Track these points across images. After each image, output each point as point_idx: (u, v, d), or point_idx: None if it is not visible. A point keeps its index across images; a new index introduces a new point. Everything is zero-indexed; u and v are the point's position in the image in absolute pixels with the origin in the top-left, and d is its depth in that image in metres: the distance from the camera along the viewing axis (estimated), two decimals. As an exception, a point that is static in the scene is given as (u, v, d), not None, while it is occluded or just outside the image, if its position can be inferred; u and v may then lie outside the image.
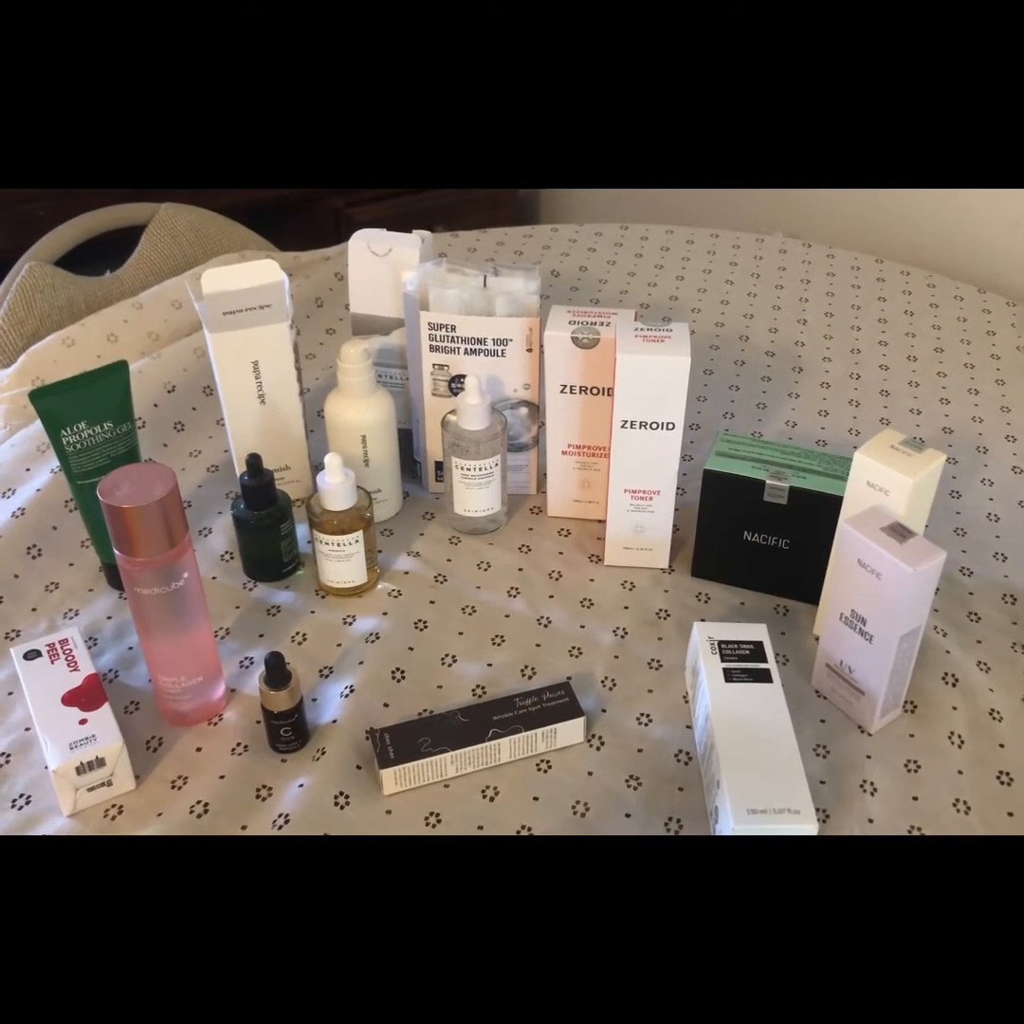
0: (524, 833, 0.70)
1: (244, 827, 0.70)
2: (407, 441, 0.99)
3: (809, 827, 0.65)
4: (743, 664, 0.75)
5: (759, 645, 0.77)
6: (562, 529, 0.96)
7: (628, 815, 0.71)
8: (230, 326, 0.86)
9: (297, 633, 0.84)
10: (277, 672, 0.71)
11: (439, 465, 0.97)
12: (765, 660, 0.76)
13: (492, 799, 0.72)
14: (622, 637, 0.85)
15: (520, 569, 0.91)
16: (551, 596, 0.88)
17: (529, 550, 0.93)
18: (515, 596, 0.88)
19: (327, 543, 0.84)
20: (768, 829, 0.65)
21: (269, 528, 0.86)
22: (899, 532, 0.71)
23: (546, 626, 0.86)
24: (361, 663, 0.81)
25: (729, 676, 0.74)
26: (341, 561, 0.85)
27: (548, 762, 0.75)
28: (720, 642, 0.77)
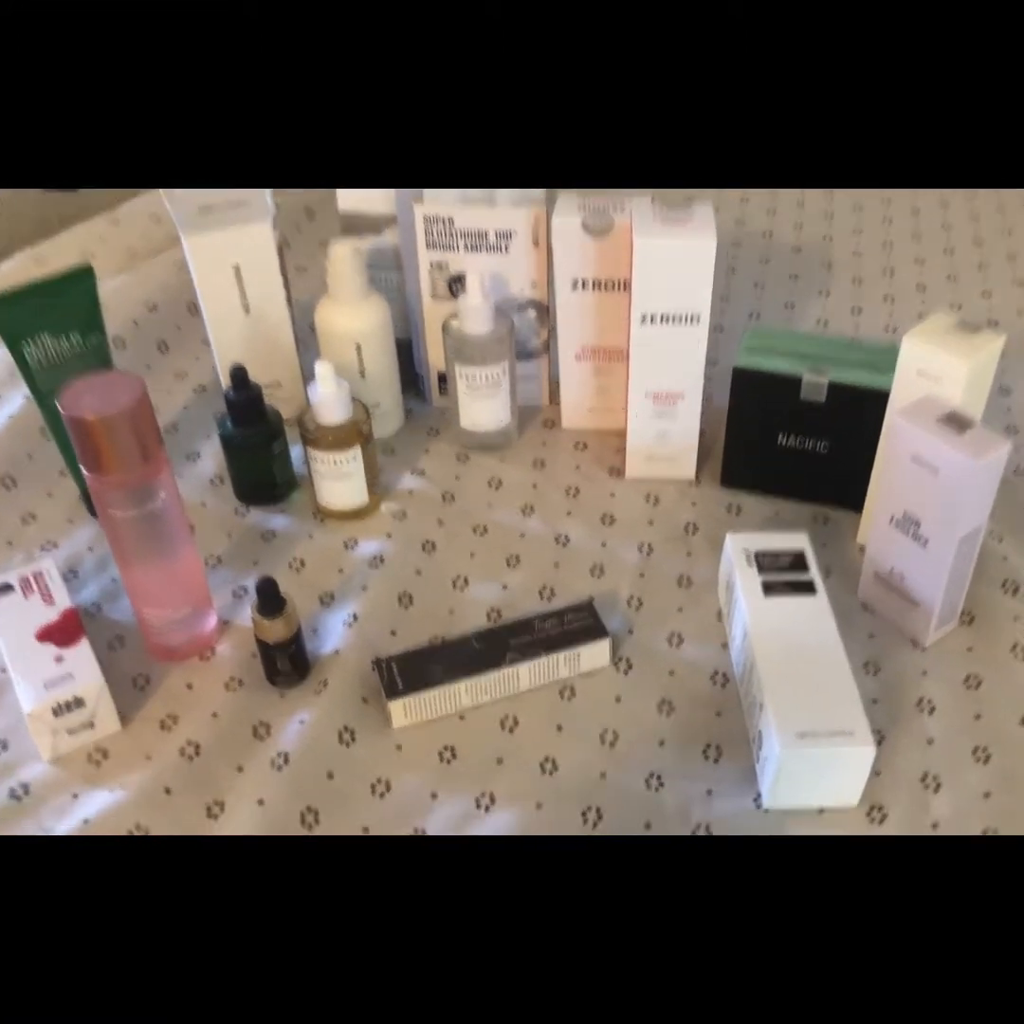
0: (548, 765, 0.63)
1: (240, 768, 0.64)
2: (407, 354, 0.91)
3: (866, 750, 0.58)
4: (783, 576, 0.68)
5: (800, 555, 0.70)
6: (579, 441, 0.88)
7: (662, 743, 0.65)
8: (207, 227, 0.78)
9: (295, 559, 0.78)
10: (269, 598, 0.65)
11: (443, 377, 0.90)
12: (807, 570, 0.69)
13: (511, 730, 0.66)
14: (648, 554, 0.78)
15: (534, 485, 0.84)
16: (569, 513, 0.81)
17: (543, 465, 0.86)
18: (530, 514, 0.81)
19: (323, 461, 0.77)
20: (820, 753, 0.58)
21: (260, 447, 0.79)
22: (957, 422, 0.63)
23: (565, 545, 0.79)
24: (365, 589, 0.75)
25: (768, 589, 0.67)
26: (339, 480, 0.78)
27: (572, 688, 0.68)
28: (757, 553, 0.70)
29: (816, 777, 0.60)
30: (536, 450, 0.87)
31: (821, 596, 0.67)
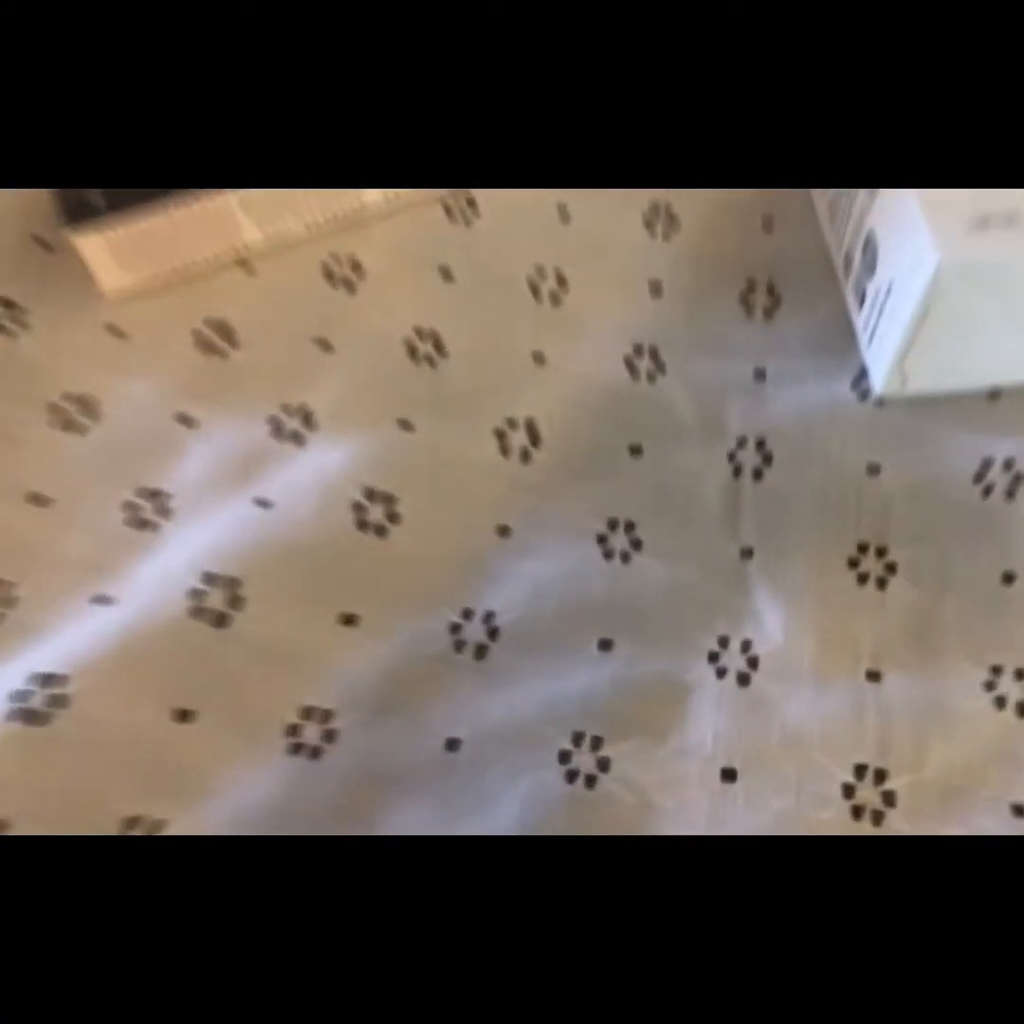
0: (423, 346, 0.31)
1: None
2: None
3: None
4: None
5: None
6: None
7: (657, 289, 0.32)
8: None
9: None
10: None
11: None
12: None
13: (348, 284, 0.33)
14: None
15: None
16: None
17: None
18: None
19: None
20: (1008, 254, 0.26)
21: None
22: None
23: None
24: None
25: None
26: None
27: (470, 199, 0.34)
28: None
29: (994, 325, 0.27)
30: None
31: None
